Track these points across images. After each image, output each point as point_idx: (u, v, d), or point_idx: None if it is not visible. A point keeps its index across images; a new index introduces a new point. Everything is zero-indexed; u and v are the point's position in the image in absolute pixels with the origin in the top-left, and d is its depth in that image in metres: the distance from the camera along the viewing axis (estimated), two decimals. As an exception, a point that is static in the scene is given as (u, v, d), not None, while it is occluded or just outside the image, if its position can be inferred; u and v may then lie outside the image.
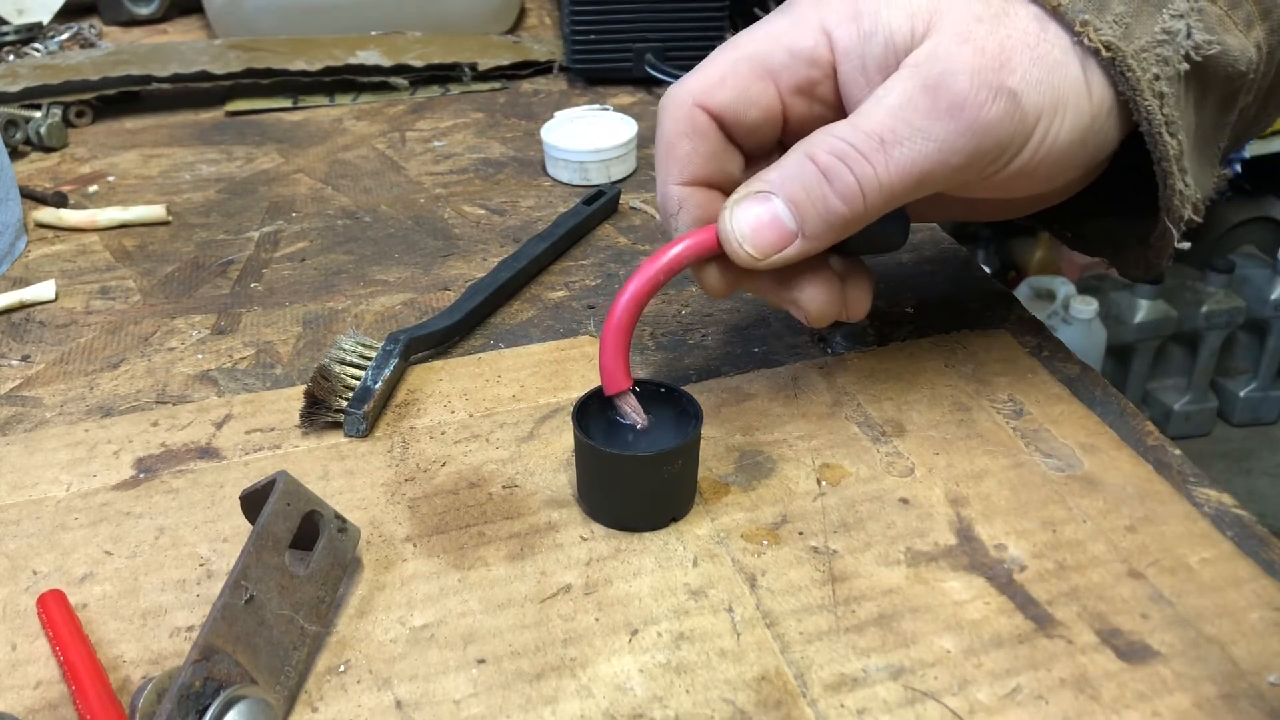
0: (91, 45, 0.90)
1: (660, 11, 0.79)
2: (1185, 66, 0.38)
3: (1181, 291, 1.82)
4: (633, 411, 0.42)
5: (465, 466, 0.45)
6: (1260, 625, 0.36)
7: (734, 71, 0.40)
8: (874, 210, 0.38)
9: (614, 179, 0.68)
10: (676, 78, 0.78)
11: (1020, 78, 0.36)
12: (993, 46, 0.36)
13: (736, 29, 1.49)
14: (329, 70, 0.80)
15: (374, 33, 0.87)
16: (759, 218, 0.38)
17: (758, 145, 0.42)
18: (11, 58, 0.86)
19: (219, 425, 0.48)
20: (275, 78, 0.80)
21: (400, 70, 0.81)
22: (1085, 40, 0.37)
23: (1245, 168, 1.78)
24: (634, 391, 0.42)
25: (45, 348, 0.54)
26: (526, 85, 0.83)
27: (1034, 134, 0.37)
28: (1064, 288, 1.76)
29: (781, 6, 0.41)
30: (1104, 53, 0.37)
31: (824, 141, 0.38)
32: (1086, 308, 1.69)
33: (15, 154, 0.73)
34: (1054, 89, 0.37)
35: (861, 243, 0.41)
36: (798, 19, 0.40)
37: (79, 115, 0.77)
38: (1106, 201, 0.47)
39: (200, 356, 0.53)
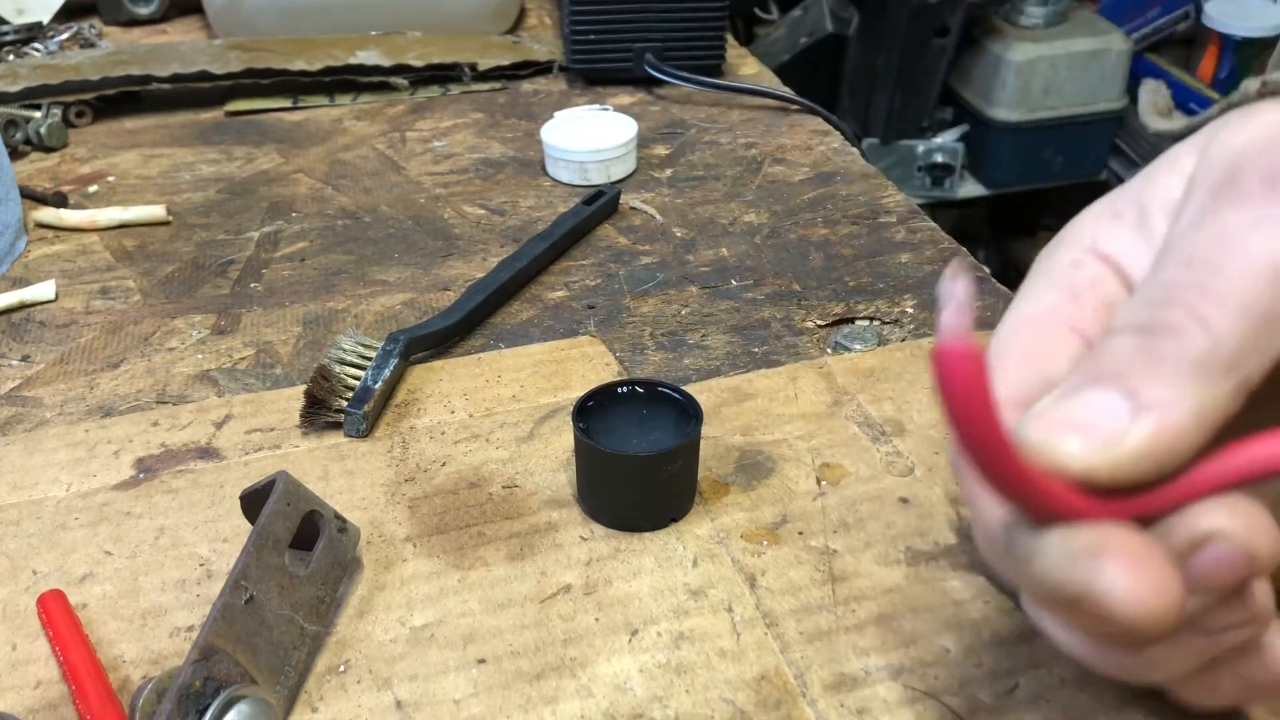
0: (91, 45, 0.90)
1: (660, 11, 0.79)
2: None
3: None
4: None
5: (465, 466, 0.45)
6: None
7: None
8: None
9: (614, 179, 0.68)
10: (677, 78, 0.79)
11: None
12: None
13: (736, 29, 1.49)
14: (329, 70, 0.80)
15: (374, 33, 0.87)
16: None
17: None
18: (11, 57, 0.86)
19: (219, 425, 0.48)
20: (275, 78, 0.80)
21: (400, 70, 0.81)
22: None
23: None
24: (637, 392, 0.42)
25: (45, 348, 0.54)
26: (526, 85, 0.83)
27: None
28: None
29: None
30: None
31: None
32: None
33: (15, 154, 0.73)
34: None
35: None
36: None
37: (79, 115, 0.77)
38: None
39: (200, 356, 0.53)
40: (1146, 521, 0.25)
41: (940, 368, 0.21)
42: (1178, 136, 0.32)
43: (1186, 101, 1.51)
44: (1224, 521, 0.24)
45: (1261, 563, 0.24)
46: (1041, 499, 0.24)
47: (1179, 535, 0.24)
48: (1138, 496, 0.24)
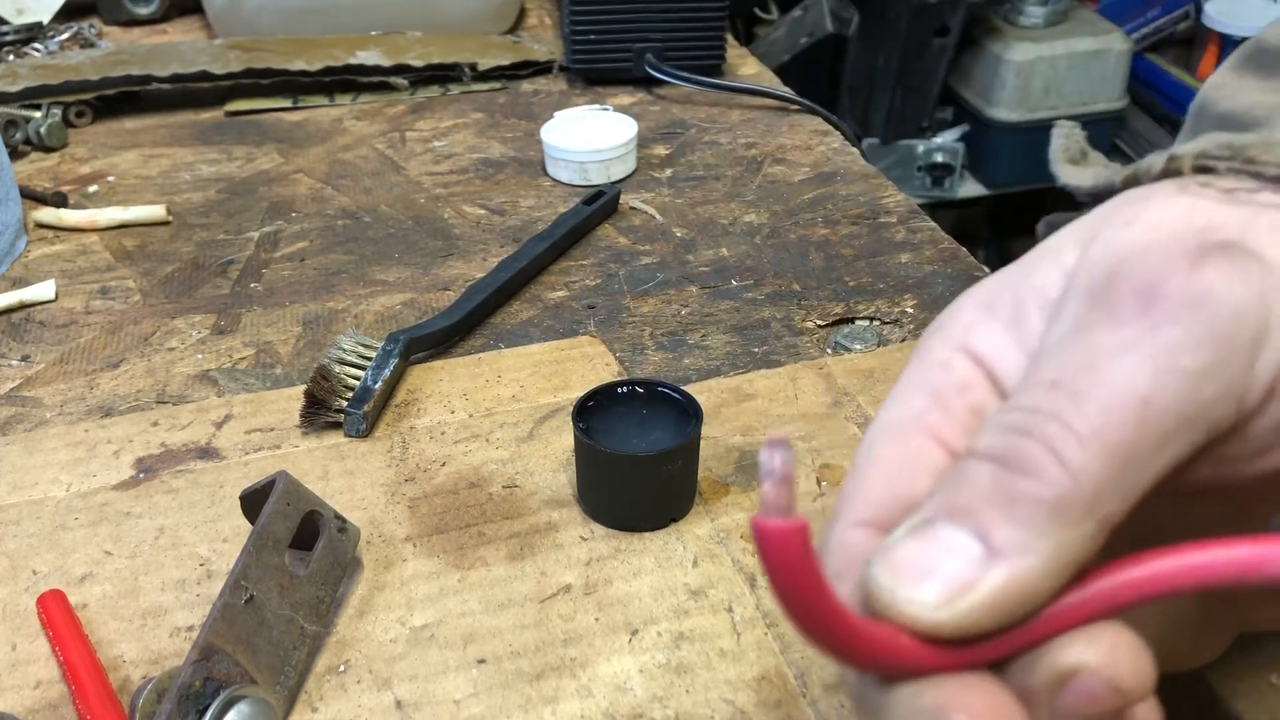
0: (91, 45, 0.90)
1: (660, 11, 0.79)
2: None
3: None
4: None
5: (465, 466, 0.45)
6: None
7: None
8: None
9: (614, 179, 0.68)
10: (677, 78, 0.79)
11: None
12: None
13: (736, 29, 1.49)
14: (329, 70, 0.80)
15: (374, 33, 0.87)
16: None
17: None
18: (11, 58, 0.86)
19: (219, 425, 0.48)
20: (275, 78, 0.80)
21: (400, 70, 0.81)
22: None
23: None
24: (637, 392, 0.42)
25: (45, 348, 0.54)
26: (526, 85, 0.83)
27: None
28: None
29: None
30: None
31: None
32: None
33: (15, 154, 0.73)
34: None
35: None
36: None
37: (79, 115, 0.77)
38: None
39: (200, 356, 0.53)
40: (1003, 662, 0.23)
41: (761, 544, 0.20)
42: (1087, 194, 0.30)
43: (1186, 101, 1.51)
44: (1083, 655, 0.22)
45: (1131, 693, 0.22)
46: (882, 659, 0.22)
47: (1039, 675, 0.22)
48: (990, 641, 0.23)
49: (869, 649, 0.22)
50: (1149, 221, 0.25)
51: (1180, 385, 0.22)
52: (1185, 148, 0.27)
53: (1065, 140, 0.33)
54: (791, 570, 0.20)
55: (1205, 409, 0.22)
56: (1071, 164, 0.32)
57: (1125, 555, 0.23)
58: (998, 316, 0.27)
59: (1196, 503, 0.27)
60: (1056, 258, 0.27)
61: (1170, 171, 0.27)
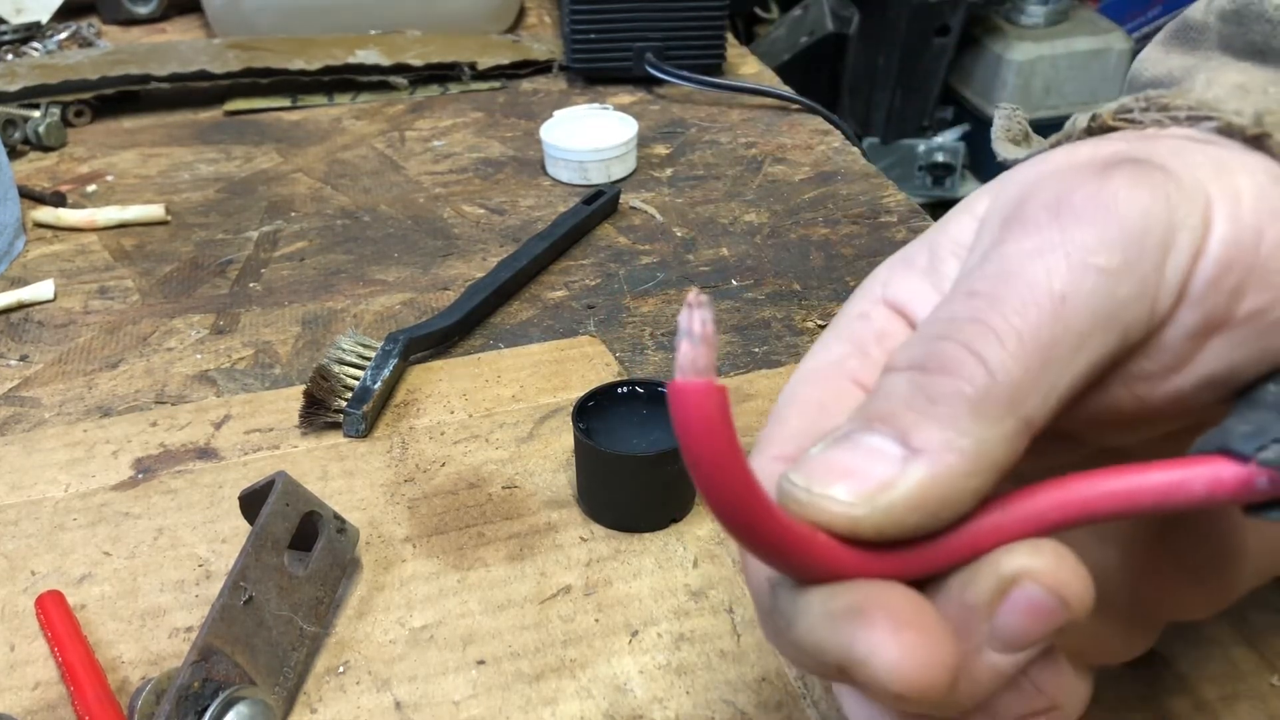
0: (90, 44, 0.90)
1: (660, 11, 0.79)
2: None
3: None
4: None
5: (465, 467, 0.45)
6: (1261, 627, 0.36)
7: None
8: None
9: (614, 178, 0.68)
10: (677, 77, 0.78)
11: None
12: None
13: (736, 29, 1.49)
14: (328, 70, 0.80)
15: (373, 32, 0.87)
16: None
17: None
18: (10, 57, 0.86)
19: (218, 425, 0.47)
20: (274, 77, 0.80)
21: (399, 69, 0.81)
22: None
23: None
24: (637, 392, 0.42)
25: (43, 347, 0.54)
26: (526, 84, 0.83)
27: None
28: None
29: None
30: None
31: None
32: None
33: (14, 153, 0.73)
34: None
35: None
36: None
37: (77, 115, 0.77)
38: None
39: (199, 356, 0.52)
40: (927, 581, 0.22)
41: (675, 406, 0.19)
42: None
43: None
44: (1028, 562, 0.21)
45: (1073, 606, 0.21)
46: (800, 553, 0.21)
47: (979, 585, 0.22)
48: (915, 550, 0.22)
49: (786, 537, 0.21)
50: (1056, 159, 0.26)
51: (1095, 283, 0.22)
52: (1107, 105, 0.28)
53: (1007, 122, 0.33)
54: (707, 435, 0.19)
55: (1120, 308, 0.22)
56: (1014, 144, 0.32)
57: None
58: (914, 267, 0.27)
59: (1107, 458, 0.26)
60: (970, 208, 0.27)
61: (1094, 130, 0.28)
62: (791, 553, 0.21)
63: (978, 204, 0.27)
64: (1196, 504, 0.21)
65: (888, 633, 0.20)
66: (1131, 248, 0.22)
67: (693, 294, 0.19)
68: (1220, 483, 0.21)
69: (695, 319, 0.19)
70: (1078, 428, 0.24)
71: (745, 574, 0.25)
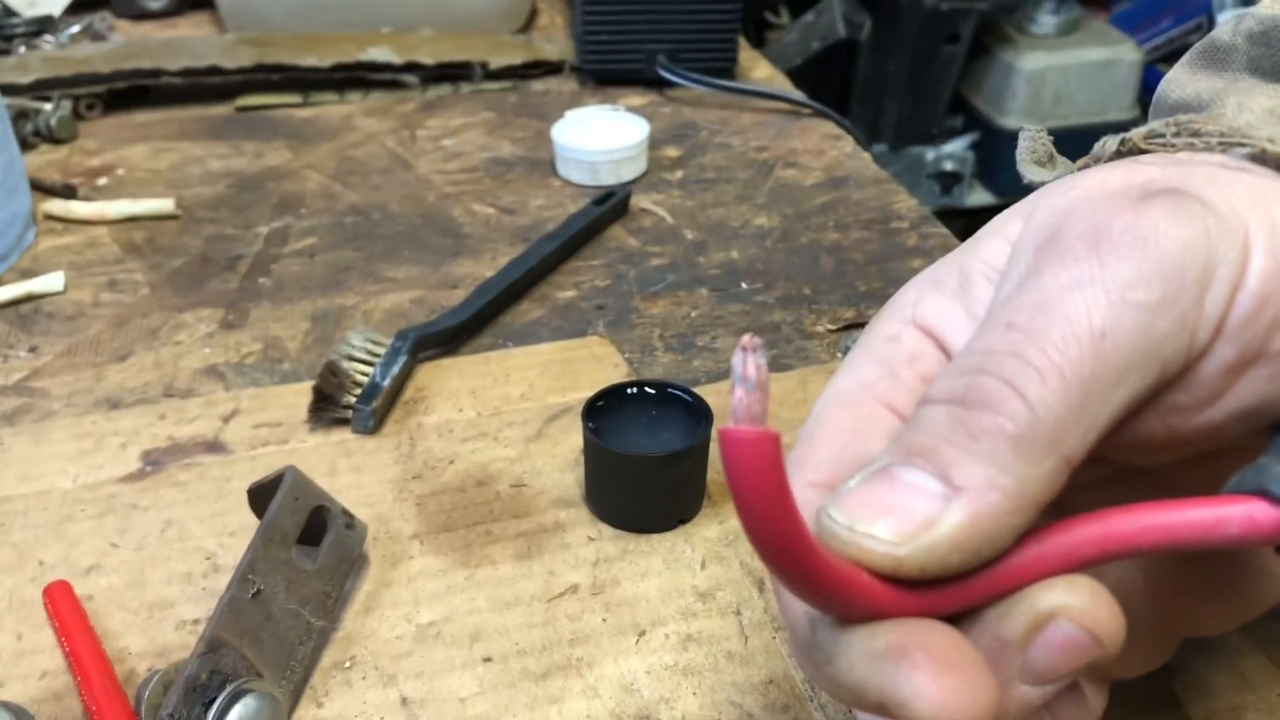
0: (102, 38, 0.90)
1: (672, 13, 0.79)
2: None
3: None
4: None
5: (473, 465, 0.45)
6: (1272, 636, 0.36)
7: None
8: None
9: (624, 180, 0.68)
10: (688, 79, 0.78)
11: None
12: None
13: (748, 31, 1.49)
14: (340, 67, 0.80)
15: (385, 30, 0.87)
16: None
17: None
18: (22, 49, 0.86)
19: (226, 419, 0.47)
20: (286, 73, 0.80)
21: (411, 68, 0.81)
22: None
23: None
24: (647, 393, 0.42)
25: (53, 339, 0.54)
26: (537, 85, 0.83)
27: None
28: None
29: None
30: None
31: None
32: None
33: (25, 146, 0.73)
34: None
35: None
36: None
37: (89, 108, 0.77)
38: None
39: (208, 350, 0.53)
40: (963, 615, 0.22)
41: (728, 454, 0.19)
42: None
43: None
44: (1064, 598, 0.21)
45: (1106, 644, 0.21)
46: (843, 594, 0.21)
47: (1015, 620, 0.22)
48: (953, 586, 0.22)
49: (830, 579, 0.21)
50: (1090, 184, 0.26)
51: (1135, 319, 0.22)
52: (1137, 130, 0.28)
53: (1032, 144, 0.33)
54: (760, 485, 0.19)
55: (1159, 343, 0.22)
56: (1039, 165, 0.33)
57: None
58: (944, 289, 0.27)
59: (1138, 483, 0.27)
60: (1001, 231, 0.27)
61: (1123, 153, 0.28)
62: (836, 595, 0.21)
63: (1009, 227, 0.27)
64: (1232, 544, 0.21)
65: (930, 675, 0.20)
66: (1171, 283, 0.22)
67: (747, 337, 0.19)
68: (1256, 525, 0.21)
69: (750, 364, 0.19)
70: (1107, 451, 0.24)
71: (781, 606, 0.25)
